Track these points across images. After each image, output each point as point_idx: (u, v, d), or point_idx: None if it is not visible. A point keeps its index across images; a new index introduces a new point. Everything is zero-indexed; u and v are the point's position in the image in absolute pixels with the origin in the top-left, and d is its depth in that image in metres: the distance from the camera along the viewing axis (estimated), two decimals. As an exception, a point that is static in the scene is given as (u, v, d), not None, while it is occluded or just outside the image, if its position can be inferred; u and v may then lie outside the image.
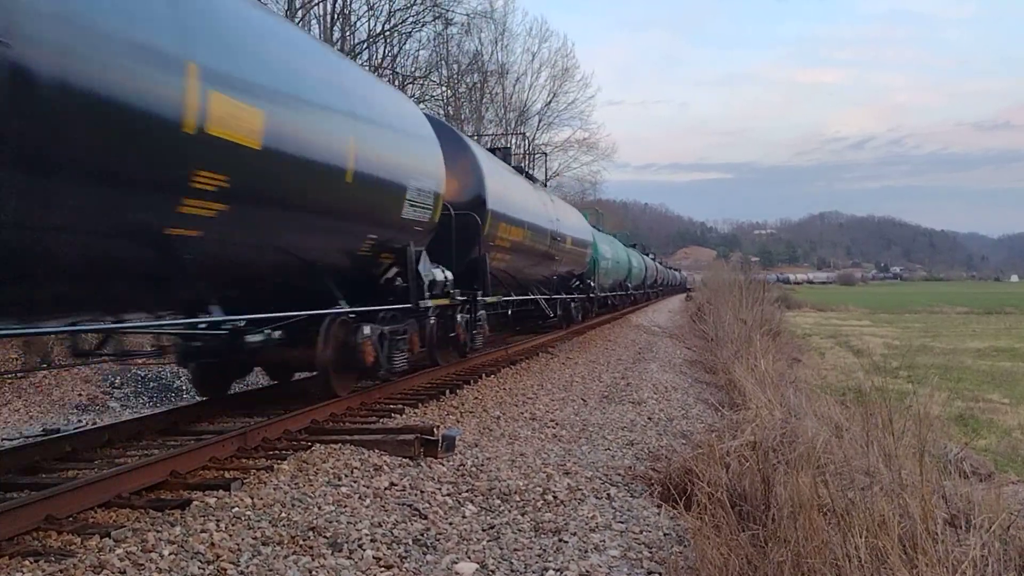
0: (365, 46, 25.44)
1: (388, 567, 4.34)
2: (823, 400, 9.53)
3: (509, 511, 5.57)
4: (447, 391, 9.85)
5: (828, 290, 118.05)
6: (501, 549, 4.84)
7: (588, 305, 24.24)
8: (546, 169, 24.04)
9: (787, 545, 4.34)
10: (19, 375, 11.36)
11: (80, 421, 9.90)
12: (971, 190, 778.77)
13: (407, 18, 25.64)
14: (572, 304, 21.82)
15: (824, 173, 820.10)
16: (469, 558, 4.62)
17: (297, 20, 21.68)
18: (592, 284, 23.83)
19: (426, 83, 28.93)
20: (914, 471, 5.27)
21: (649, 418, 9.80)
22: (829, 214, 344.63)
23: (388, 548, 4.58)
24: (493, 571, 4.51)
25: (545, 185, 21.99)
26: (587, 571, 4.63)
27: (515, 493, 5.90)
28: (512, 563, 4.65)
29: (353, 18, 25.04)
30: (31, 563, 3.90)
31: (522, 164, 20.50)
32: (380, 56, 26.15)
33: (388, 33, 25.61)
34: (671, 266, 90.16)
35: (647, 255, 52.35)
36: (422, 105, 26.94)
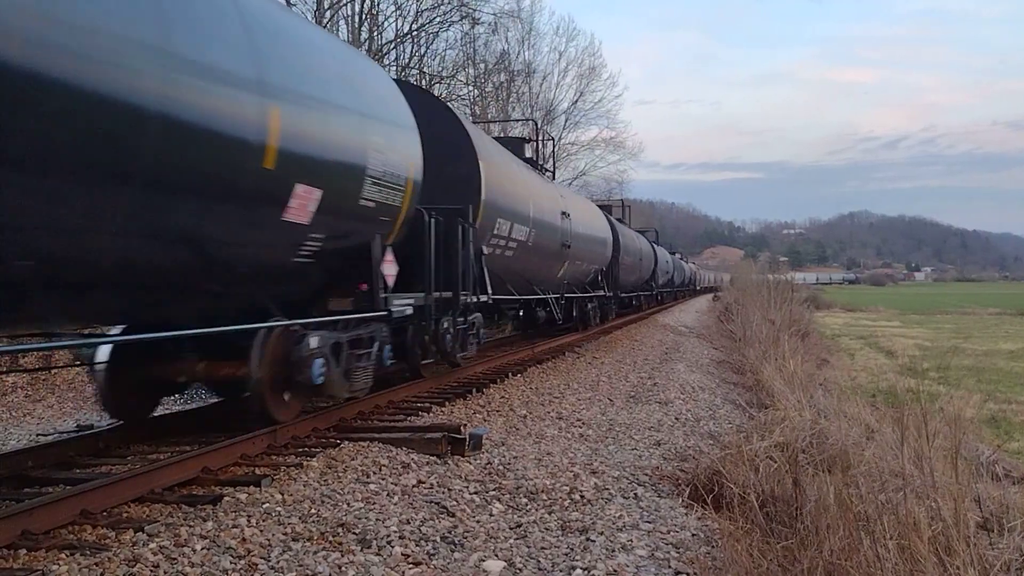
0: (393, 46, 25.56)
1: (416, 564, 4.36)
2: (853, 402, 9.44)
3: (536, 510, 5.57)
4: (474, 390, 9.88)
5: (856, 291, 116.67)
6: (528, 547, 4.85)
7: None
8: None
9: (817, 547, 4.31)
10: (53, 371, 11.54)
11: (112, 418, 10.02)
12: (1006, 190, 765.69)
13: (434, 18, 25.72)
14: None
15: (857, 173, 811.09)
16: (497, 556, 4.63)
17: (325, 21, 21.81)
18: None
19: (453, 83, 29.00)
20: (947, 473, 5.21)
21: (676, 418, 9.77)
22: (859, 214, 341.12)
23: (416, 545, 4.60)
24: (520, 569, 4.52)
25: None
26: (615, 570, 4.63)
27: (542, 492, 5.90)
28: (539, 561, 4.65)
29: (381, 18, 25.16)
30: (67, 556, 3.97)
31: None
32: (407, 56, 26.26)
33: (415, 33, 25.71)
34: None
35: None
36: (449, 105, 26.98)
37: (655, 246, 36.12)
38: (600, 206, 24.97)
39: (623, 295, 26.11)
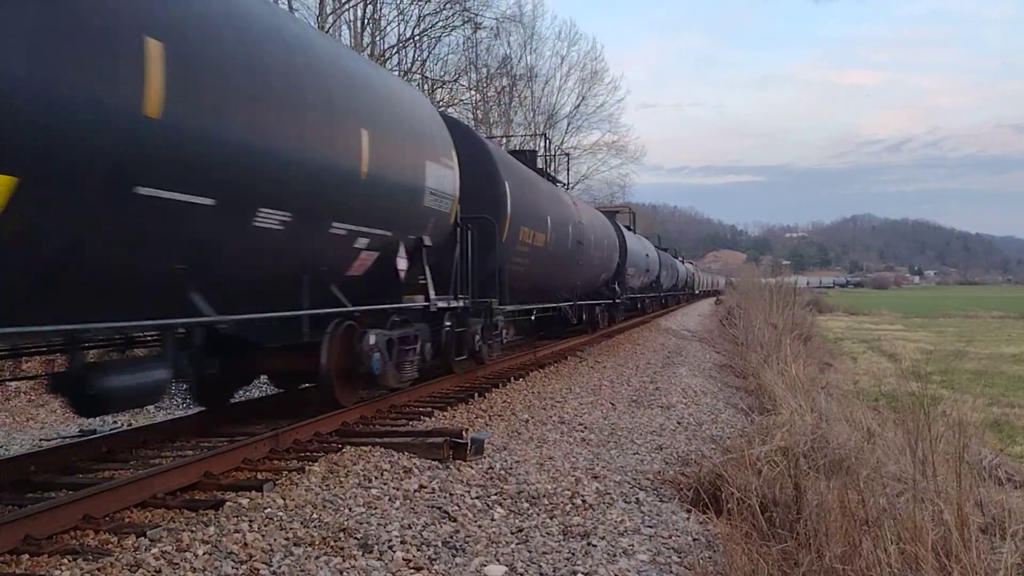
0: (395, 51, 25.62)
1: (418, 569, 4.36)
2: (855, 405, 9.43)
3: (538, 514, 5.58)
4: (476, 394, 9.88)
5: (859, 294, 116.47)
6: (530, 552, 4.85)
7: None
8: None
9: (818, 552, 4.31)
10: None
11: (115, 422, 10.05)
12: (1009, 193, 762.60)
13: (437, 23, 25.78)
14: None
15: (860, 176, 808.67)
16: (498, 561, 4.64)
17: (328, 26, 21.86)
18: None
19: (455, 87, 29.05)
20: (949, 478, 5.20)
21: (678, 422, 9.76)
22: (862, 217, 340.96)
23: (418, 550, 4.61)
24: (522, 574, 4.52)
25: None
26: (616, 575, 4.63)
27: (544, 496, 5.91)
28: (541, 566, 4.66)
29: (383, 23, 25.22)
30: (69, 561, 3.98)
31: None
32: (410, 60, 26.31)
33: (418, 38, 25.77)
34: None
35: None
36: (451, 110, 27.07)
37: (625, 232, 25.56)
38: (526, 152, 17.68)
39: (512, 309, 13.32)
